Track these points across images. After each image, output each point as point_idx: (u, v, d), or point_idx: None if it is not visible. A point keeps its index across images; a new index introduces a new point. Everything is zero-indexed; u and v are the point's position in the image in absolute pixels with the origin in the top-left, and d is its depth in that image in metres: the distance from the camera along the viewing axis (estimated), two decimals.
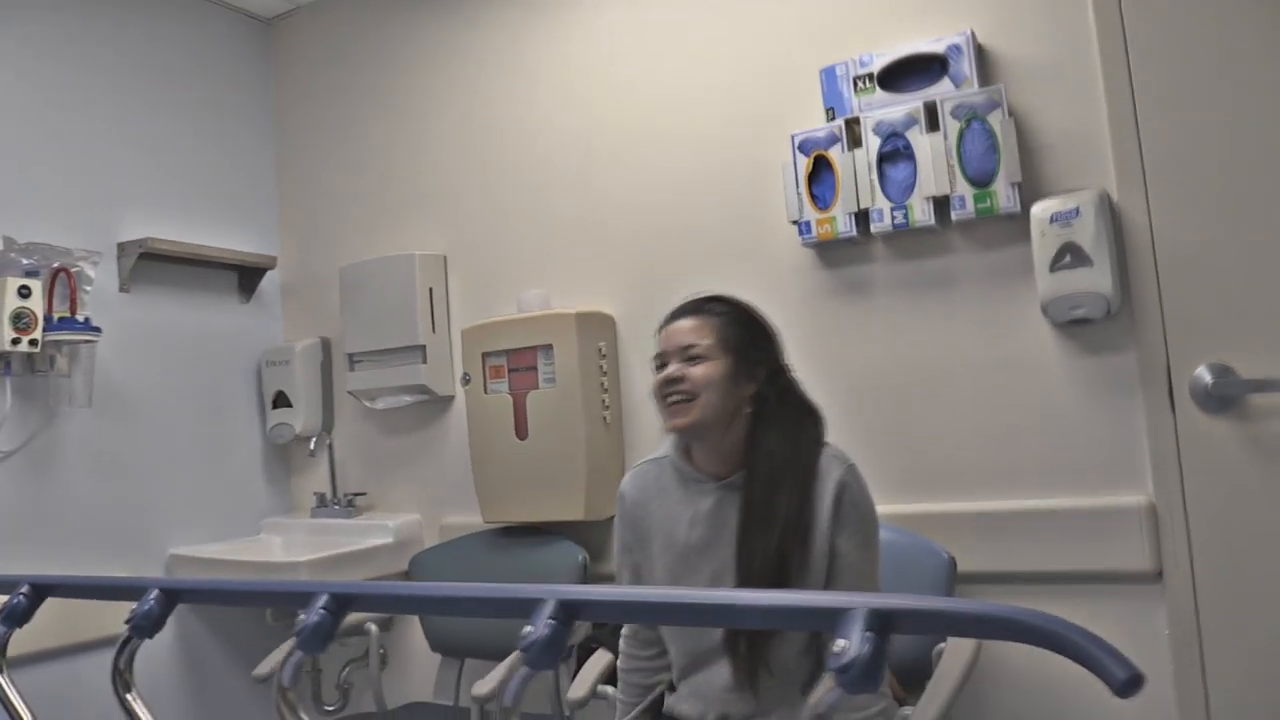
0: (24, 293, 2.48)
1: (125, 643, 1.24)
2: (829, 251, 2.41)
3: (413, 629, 2.91)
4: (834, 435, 1.81)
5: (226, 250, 3.11)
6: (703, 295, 1.81)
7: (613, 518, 2.58)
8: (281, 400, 3.16)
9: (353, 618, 2.76)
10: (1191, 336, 2.01)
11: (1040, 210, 2.08)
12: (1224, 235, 2.00)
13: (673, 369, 1.72)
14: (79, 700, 2.36)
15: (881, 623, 0.72)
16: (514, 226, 2.89)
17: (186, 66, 3.15)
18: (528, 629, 0.88)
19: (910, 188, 2.22)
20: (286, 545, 3.08)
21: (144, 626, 1.20)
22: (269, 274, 3.27)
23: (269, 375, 3.19)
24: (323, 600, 1.07)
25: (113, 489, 2.78)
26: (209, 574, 2.80)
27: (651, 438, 2.57)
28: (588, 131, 2.77)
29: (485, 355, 2.70)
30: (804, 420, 1.76)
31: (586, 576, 2.54)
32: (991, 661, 2.14)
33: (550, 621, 0.87)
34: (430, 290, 2.94)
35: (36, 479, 2.62)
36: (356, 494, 3.11)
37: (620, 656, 1.91)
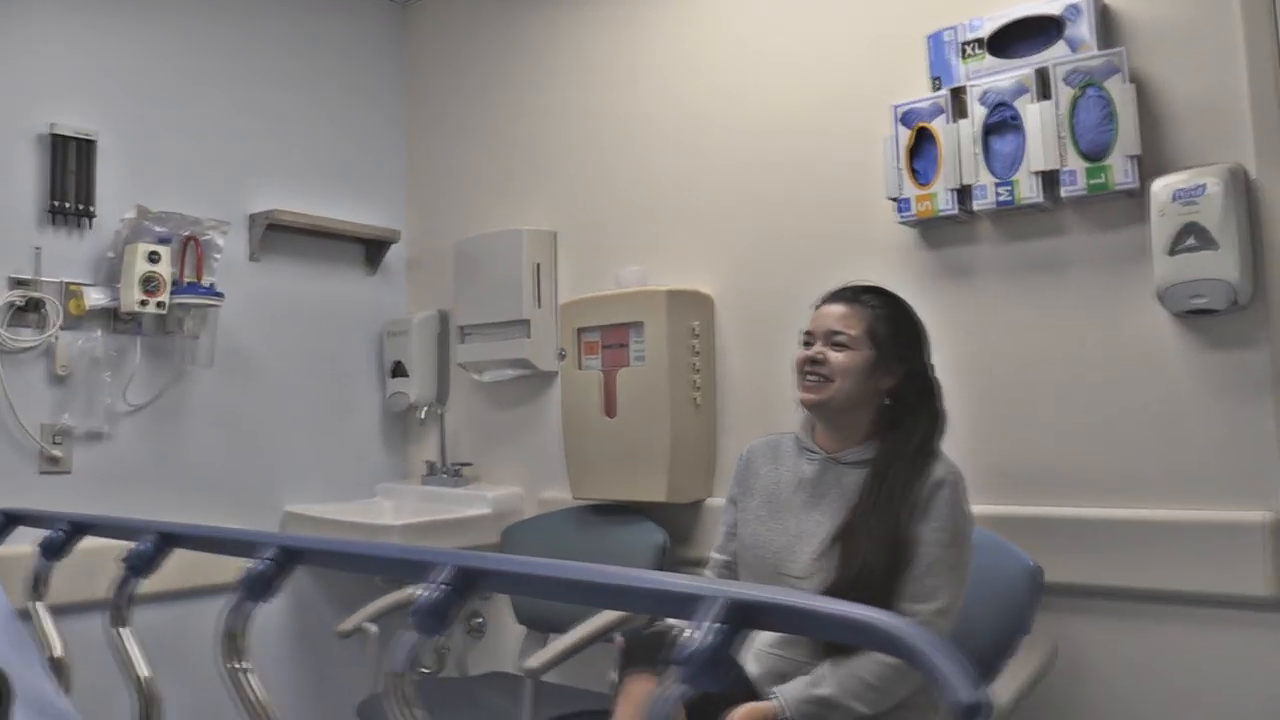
0: (153, 258, 2.65)
1: (123, 583, 1.29)
2: (930, 231, 2.25)
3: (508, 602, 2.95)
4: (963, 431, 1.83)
5: (351, 223, 3.23)
6: (861, 284, 1.84)
7: (701, 500, 2.56)
8: (399, 370, 3.26)
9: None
10: None
11: (1161, 187, 1.87)
12: None
13: (816, 349, 1.76)
14: (187, 646, 2.51)
15: (737, 615, 0.65)
16: (621, 205, 2.86)
17: (323, 48, 3.28)
18: (420, 592, 0.84)
19: (1016, 162, 2.05)
20: (397, 510, 3.17)
21: (140, 567, 1.23)
22: (394, 248, 3.38)
23: (389, 345, 3.30)
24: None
25: (234, 446, 2.95)
26: (319, 532, 2.92)
27: (748, 421, 2.50)
28: (692, 110, 2.70)
29: (580, 331, 2.68)
30: (928, 426, 1.75)
31: (665, 560, 2.49)
32: (1085, 669, 1.96)
33: (443, 586, 0.83)
34: (537, 266, 2.96)
35: (164, 433, 2.80)
36: (463, 464, 3.17)
37: None
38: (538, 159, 3.10)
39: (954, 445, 2.07)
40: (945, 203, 2.14)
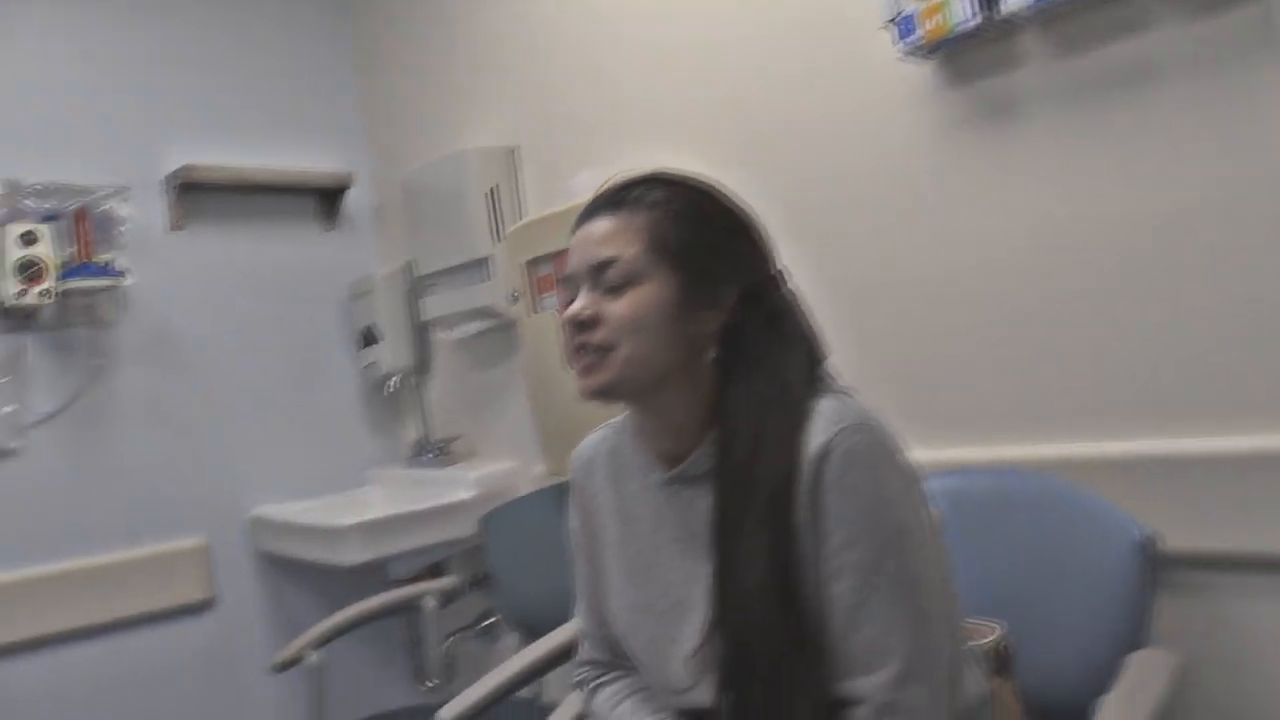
0: (28, 239, 2.22)
1: None
2: (952, 60, 1.58)
3: None
4: (962, 345, 1.32)
5: (294, 171, 2.74)
6: (629, 177, 1.10)
7: None
8: (370, 336, 2.77)
9: (409, 590, 2.35)
10: None
11: None
12: None
13: (579, 304, 1.06)
14: None
15: None
16: (585, 106, 2.26)
17: None
18: None
19: None
20: (388, 498, 2.72)
21: None
22: (353, 195, 2.88)
23: (356, 309, 2.82)
24: None
25: (179, 448, 2.53)
26: (284, 539, 2.50)
27: None
28: None
29: (530, 264, 2.12)
30: (782, 368, 1.04)
31: None
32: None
33: None
34: (493, 190, 2.39)
35: (87, 442, 2.40)
36: (451, 439, 2.68)
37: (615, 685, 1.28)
38: (493, 67, 2.52)
39: (999, 365, 1.44)
40: (962, 12, 1.47)
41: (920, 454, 1.59)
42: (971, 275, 1.57)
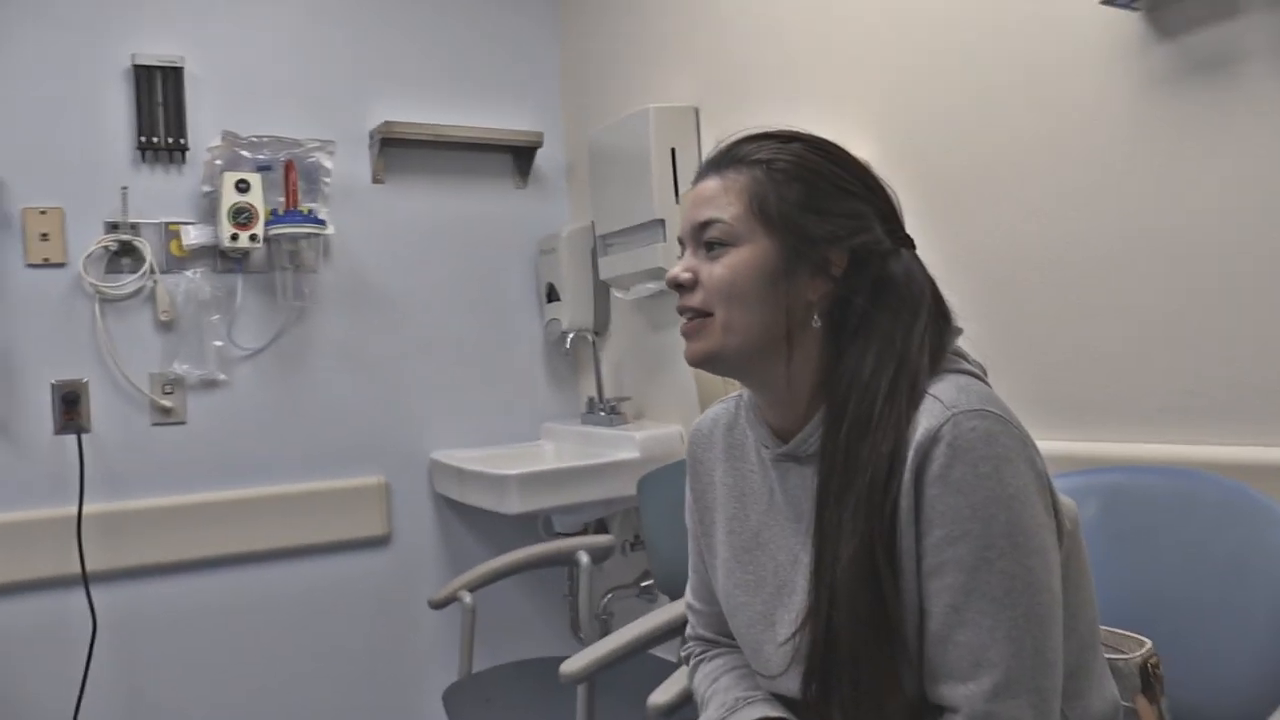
0: (241, 187, 2.40)
1: None
2: (1162, 9, 1.40)
3: None
4: (1134, 328, 1.21)
5: (489, 129, 2.81)
6: (743, 134, 1.04)
7: None
8: (553, 293, 2.83)
9: (563, 543, 2.39)
10: None
11: None
12: None
13: (680, 266, 1.03)
14: None
15: None
16: (765, 68, 2.19)
17: None
18: None
19: None
20: (558, 453, 2.78)
21: None
22: (546, 154, 2.93)
23: (542, 265, 2.88)
24: None
25: (369, 389, 2.68)
26: (457, 482, 2.59)
27: None
28: None
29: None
30: (911, 334, 0.95)
31: None
32: None
33: None
34: (673, 151, 2.37)
35: (287, 378, 2.58)
36: (622, 399, 2.69)
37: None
38: (679, 28, 2.48)
39: (1200, 354, 1.30)
40: None
41: (1067, 447, 1.48)
42: (1159, 249, 1.41)
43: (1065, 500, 0.97)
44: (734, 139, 1.04)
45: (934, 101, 1.77)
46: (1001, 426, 0.89)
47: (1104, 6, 1.42)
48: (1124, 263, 1.47)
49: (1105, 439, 1.49)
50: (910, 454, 0.89)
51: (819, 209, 0.98)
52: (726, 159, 1.02)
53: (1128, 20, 1.44)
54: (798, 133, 1.03)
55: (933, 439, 0.88)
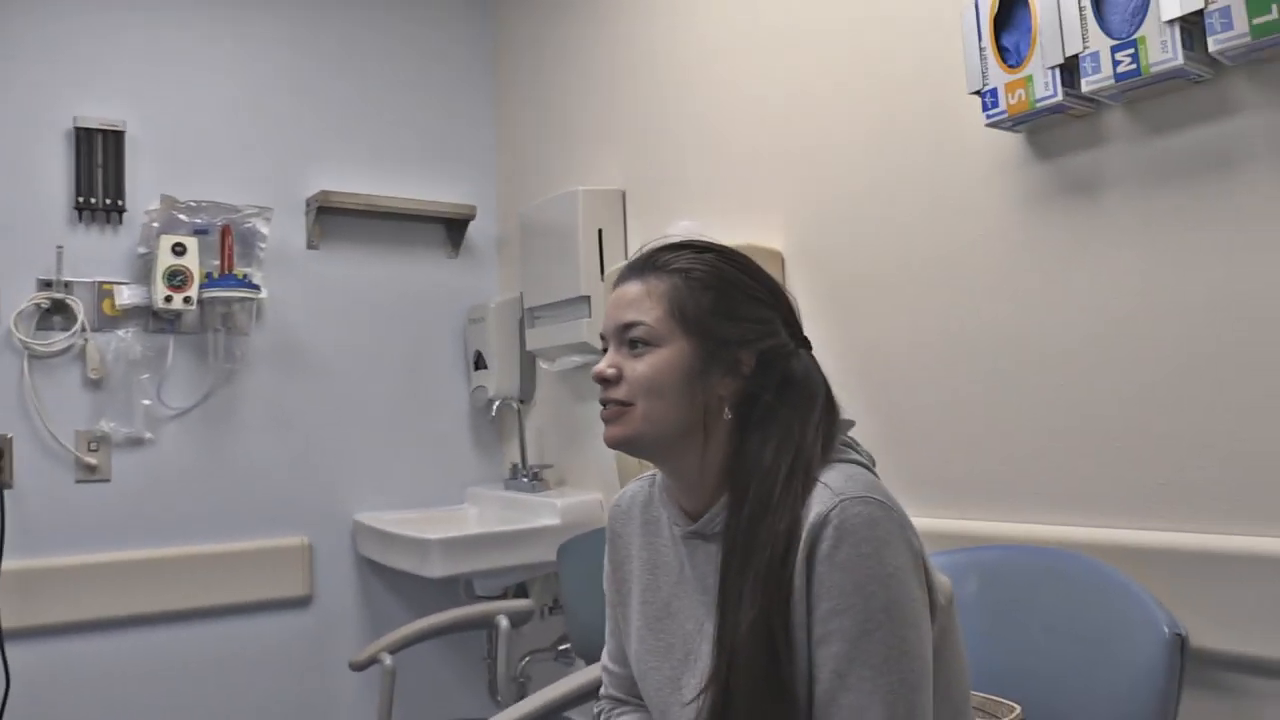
0: (178, 250, 2.45)
1: None
2: (1038, 135, 1.58)
3: None
4: (1010, 419, 1.35)
5: (421, 201, 2.91)
6: (663, 241, 1.17)
7: None
8: (480, 361, 2.91)
9: (484, 607, 2.44)
10: None
11: None
12: None
13: (605, 361, 1.14)
14: None
15: None
16: (688, 155, 2.34)
17: (393, 16, 2.98)
18: None
19: (1140, 9, 1.35)
20: (481, 517, 2.84)
21: None
22: (478, 226, 3.04)
23: (471, 334, 2.97)
24: None
25: (296, 451, 2.72)
26: (380, 545, 2.64)
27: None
28: (755, 37, 2.14)
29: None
30: (807, 427, 1.08)
31: None
32: None
33: None
34: (600, 231, 2.50)
35: (213, 438, 2.61)
36: (544, 466, 2.78)
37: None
38: (609, 114, 2.63)
39: (1076, 449, 1.43)
40: (1044, 87, 1.47)
41: (951, 525, 1.62)
42: (1033, 349, 1.56)
43: (941, 578, 1.08)
44: (654, 246, 1.16)
45: (839, 204, 1.93)
46: (883, 512, 1.01)
47: (989, 129, 1.59)
48: (1004, 360, 1.62)
49: (986, 519, 1.62)
50: (804, 535, 1.00)
51: (731, 314, 1.10)
52: (648, 265, 1.13)
53: (1011, 141, 1.61)
54: (711, 244, 1.15)
55: (822, 522, 0.99)
